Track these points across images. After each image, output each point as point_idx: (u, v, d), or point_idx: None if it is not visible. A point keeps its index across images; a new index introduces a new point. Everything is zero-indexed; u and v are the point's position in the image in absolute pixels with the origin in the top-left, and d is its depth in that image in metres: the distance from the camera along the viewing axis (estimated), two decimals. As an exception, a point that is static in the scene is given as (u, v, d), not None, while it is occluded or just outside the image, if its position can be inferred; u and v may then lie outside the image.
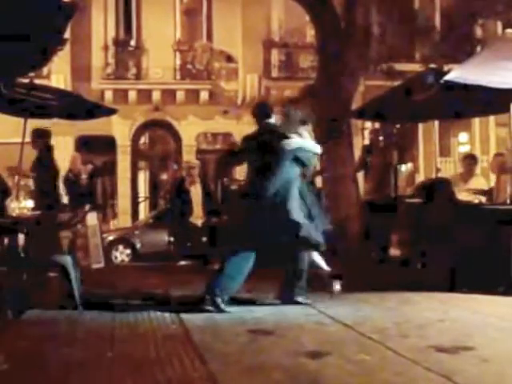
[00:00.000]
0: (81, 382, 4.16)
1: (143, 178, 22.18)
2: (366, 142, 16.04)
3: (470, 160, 10.11)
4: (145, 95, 20.64)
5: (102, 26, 20.41)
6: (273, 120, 7.07)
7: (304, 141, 6.86)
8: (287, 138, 6.76)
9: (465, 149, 20.63)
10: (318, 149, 6.95)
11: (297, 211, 6.62)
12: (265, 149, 6.86)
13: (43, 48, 6.56)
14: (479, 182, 9.62)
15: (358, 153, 12.07)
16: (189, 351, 4.84)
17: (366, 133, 18.67)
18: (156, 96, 20.70)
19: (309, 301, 6.75)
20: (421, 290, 7.54)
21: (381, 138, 11.97)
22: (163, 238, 12.45)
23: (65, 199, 11.38)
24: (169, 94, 20.78)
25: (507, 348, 4.84)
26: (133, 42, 20.90)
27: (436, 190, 8.64)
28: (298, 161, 6.79)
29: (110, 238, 16.73)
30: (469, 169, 9.78)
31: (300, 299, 6.76)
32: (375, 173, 11.13)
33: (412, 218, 8.87)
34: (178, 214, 11.24)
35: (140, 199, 21.80)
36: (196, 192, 11.38)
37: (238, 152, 7.42)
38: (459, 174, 10.06)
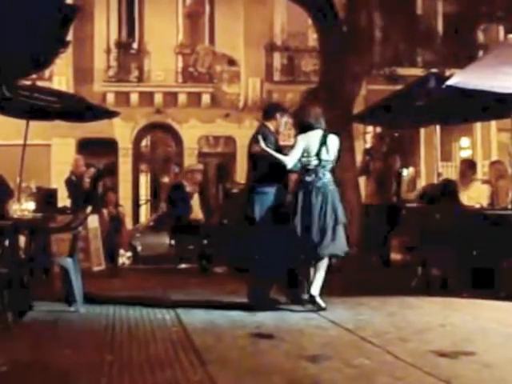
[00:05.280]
0: (81, 385, 4.16)
1: (144, 180, 22.17)
2: (368, 146, 16.06)
3: (466, 165, 10.05)
4: (147, 98, 20.64)
5: (104, 28, 20.41)
6: (269, 123, 7.12)
7: (271, 152, 6.81)
8: (264, 142, 6.81)
9: (466, 154, 20.61)
10: (288, 163, 6.77)
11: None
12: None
13: (45, 50, 6.56)
14: (479, 188, 9.57)
15: (359, 157, 12.07)
16: (189, 354, 4.84)
17: (368, 137, 18.69)
18: (158, 99, 20.70)
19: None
20: (422, 294, 7.54)
21: (383, 142, 11.95)
22: (164, 240, 12.42)
23: (67, 202, 11.38)
24: (171, 97, 20.77)
25: (508, 353, 4.84)
26: (135, 45, 20.89)
27: (444, 190, 8.60)
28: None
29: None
30: (465, 174, 9.73)
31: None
32: (377, 177, 11.13)
33: (415, 223, 8.86)
34: (176, 217, 11.19)
35: (141, 202, 21.80)
36: (194, 195, 11.36)
37: None
38: (459, 180, 10.04)
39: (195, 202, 11.37)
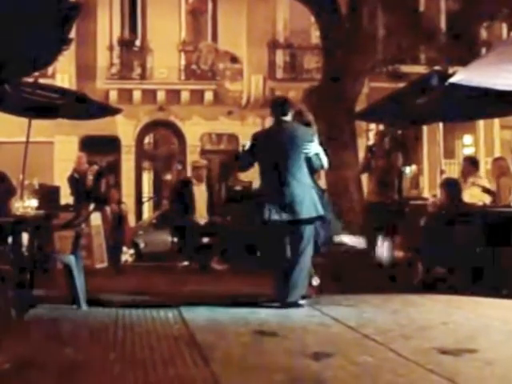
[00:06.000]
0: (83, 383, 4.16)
1: (147, 178, 22.20)
2: (371, 143, 16.03)
3: (467, 163, 10.04)
4: (149, 95, 20.67)
5: (107, 25, 20.44)
6: (289, 118, 7.01)
7: (321, 150, 6.89)
8: (308, 140, 6.79)
9: (469, 151, 20.60)
10: (326, 163, 7.01)
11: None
12: (278, 147, 6.85)
13: (47, 48, 6.56)
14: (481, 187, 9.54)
15: (362, 154, 12.06)
16: (192, 351, 4.84)
17: (371, 134, 18.68)
18: (160, 96, 20.72)
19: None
20: (424, 292, 7.54)
21: (386, 139, 11.93)
22: (166, 238, 12.43)
23: (70, 199, 11.39)
24: (173, 95, 20.79)
25: (510, 351, 4.83)
26: (138, 42, 20.93)
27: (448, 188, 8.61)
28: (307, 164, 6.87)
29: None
30: (467, 171, 9.71)
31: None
32: (379, 175, 11.12)
33: (418, 221, 8.85)
34: (180, 215, 11.18)
35: (144, 199, 21.83)
36: (201, 192, 11.33)
37: (246, 152, 7.20)
38: (461, 177, 10.02)
39: (202, 198, 11.34)
